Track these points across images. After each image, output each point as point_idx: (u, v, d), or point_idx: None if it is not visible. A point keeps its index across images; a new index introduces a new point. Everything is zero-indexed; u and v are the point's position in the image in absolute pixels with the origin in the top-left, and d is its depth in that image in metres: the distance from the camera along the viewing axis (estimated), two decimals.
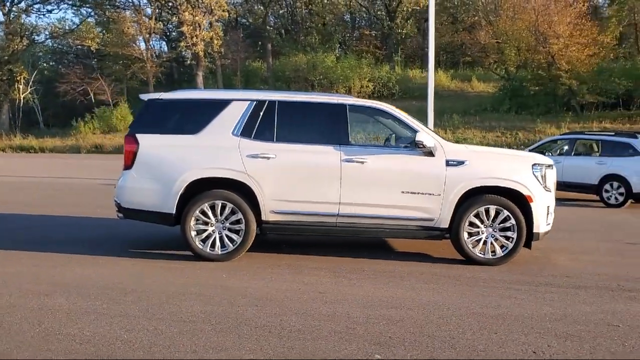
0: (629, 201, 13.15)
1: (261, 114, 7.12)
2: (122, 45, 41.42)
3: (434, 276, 6.52)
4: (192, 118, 7.23)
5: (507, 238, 7.00)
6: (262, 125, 7.09)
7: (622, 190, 12.93)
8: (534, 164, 7.13)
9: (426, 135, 6.96)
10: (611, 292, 6.00)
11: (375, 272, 6.67)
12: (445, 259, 7.35)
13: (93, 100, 41.10)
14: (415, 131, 7.07)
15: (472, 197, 6.99)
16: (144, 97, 7.39)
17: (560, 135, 17.03)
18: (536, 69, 35.51)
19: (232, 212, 6.95)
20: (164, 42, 48.46)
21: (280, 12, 42.28)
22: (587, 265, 7.22)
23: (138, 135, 7.08)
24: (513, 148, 31.67)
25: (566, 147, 14.28)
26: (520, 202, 7.00)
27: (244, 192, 6.97)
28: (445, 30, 46.34)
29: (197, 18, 33.93)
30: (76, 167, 24.46)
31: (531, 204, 6.98)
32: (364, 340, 4.50)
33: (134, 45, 41.91)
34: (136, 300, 5.41)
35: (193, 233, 6.96)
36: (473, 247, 7.04)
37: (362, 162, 6.96)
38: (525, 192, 6.97)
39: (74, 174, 20.74)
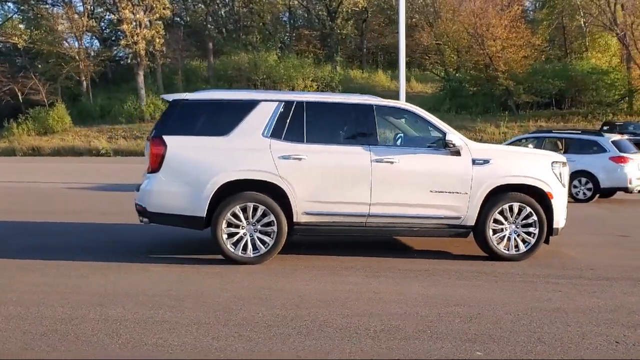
0: (596, 196, 13.85)
1: (290, 114, 7.06)
2: (52, 43, 39.77)
3: (471, 273, 6.67)
4: (221, 119, 7.09)
5: (529, 234, 7.25)
6: (291, 126, 7.04)
7: (590, 185, 13.62)
8: (553, 162, 7.42)
9: (454, 135, 7.12)
10: None
11: (411, 270, 6.76)
12: (466, 256, 7.53)
13: (21, 100, 39.17)
14: (442, 131, 7.20)
15: (497, 195, 7.19)
16: (168, 97, 7.18)
17: (529, 133, 17.72)
18: (475, 70, 36.78)
19: (264, 214, 6.87)
20: (96, 41, 46.80)
21: (220, 12, 41.70)
22: (600, 258, 7.58)
23: (165, 137, 6.87)
24: None
25: (531, 146, 14.85)
26: (542, 198, 7.26)
27: (275, 194, 6.90)
28: (381, 30, 47.25)
29: (138, 16, 33.01)
30: (27, 171, 23.31)
31: (552, 200, 7.27)
32: (453, 338, 4.57)
33: (66, 43, 40.30)
34: (198, 307, 5.26)
35: (224, 236, 6.83)
36: (497, 244, 7.25)
37: (392, 162, 7.04)
38: (546, 189, 7.25)
39: (28, 178, 19.77)
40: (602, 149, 13.59)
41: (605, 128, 25.42)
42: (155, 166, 6.87)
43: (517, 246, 7.27)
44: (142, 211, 7.01)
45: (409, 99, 39.92)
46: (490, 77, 35.20)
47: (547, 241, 7.40)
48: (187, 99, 7.07)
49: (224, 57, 40.12)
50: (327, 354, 4.25)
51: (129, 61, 38.77)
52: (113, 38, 45.29)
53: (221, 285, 6.03)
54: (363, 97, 7.50)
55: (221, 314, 5.09)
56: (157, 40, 34.07)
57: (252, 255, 6.88)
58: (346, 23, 42.64)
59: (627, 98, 35.43)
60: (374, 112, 7.20)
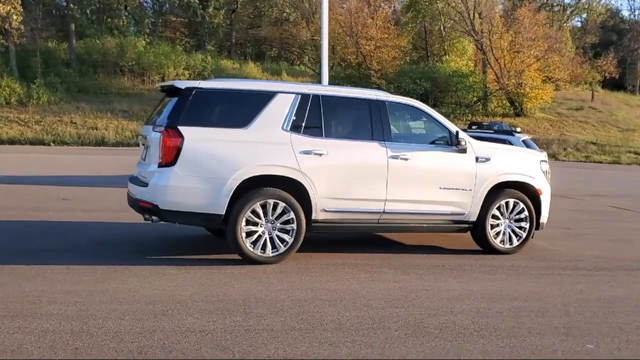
0: None
1: (308, 108, 6.82)
2: None
3: (490, 268, 6.90)
4: (238, 110, 6.65)
5: (521, 228, 7.67)
6: (309, 120, 6.80)
7: None
8: (541, 160, 7.92)
9: (463, 133, 7.33)
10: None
11: (433, 266, 6.85)
12: (463, 251, 7.78)
13: None
14: (450, 129, 7.38)
15: (495, 192, 7.51)
16: (180, 84, 6.57)
17: None
18: (349, 68, 37.81)
19: (283, 212, 6.57)
20: None
21: None
22: (573, 250, 8.21)
23: (181, 128, 6.31)
24: None
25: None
26: (532, 195, 7.72)
27: (294, 190, 6.64)
28: (250, 22, 46.92)
29: None
30: None
31: (540, 196, 7.75)
32: (551, 333, 4.70)
33: None
34: (269, 312, 4.90)
35: (243, 235, 6.44)
36: (494, 239, 7.58)
37: (406, 159, 7.07)
38: (537, 185, 7.72)
39: None
40: None
41: (474, 127, 27.30)
42: (170, 159, 6.28)
43: (510, 240, 7.65)
44: (151, 209, 6.37)
45: None
46: (364, 76, 36.39)
47: (532, 235, 7.87)
48: (201, 87, 6.54)
49: (87, 39, 37.39)
50: (448, 353, 4.20)
51: None
52: None
53: (267, 287, 5.68)
54: (374, 92, 7.45)
55: (295, 318, 4.79)
56: (15, 17, 30.83)
57: (271, 255, 6.56)
58: (217, 12, 41.68)
59: (483, 100, 38.42)
60: (386, 108, 7.18)
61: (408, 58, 40.48)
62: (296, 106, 6.76)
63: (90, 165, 17.95)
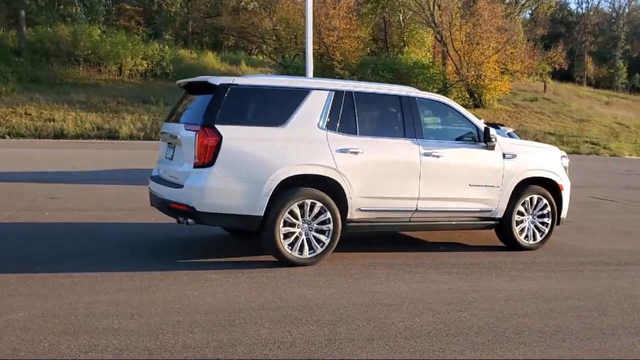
0: None
1: (342, 105, 6.63)
2: None
3: (523, 265, 6.90)
4: (274, 108, 6.41)
5: (543, 224, 7.70)
6: (344, 117, 6.61)
7: None
8: (562, 156, 7.97)
9: (493, 129, 7.28)
10: None
11: (468, 265, 6.81)
12: (485, 247, 7.78)
13: None
14: (477, 126, 7.33)
15: (520, 188, 7.51)
16: (214, 81, 6.26)
17: None
18: (314, 59, 37.52)
19: (320, 212, 6.38)
20: None
21: None
22: (596, 244, 8.31)
23: (219, 127, 6.02)
24: None
25: None
26: (554, 190, 7.75)
27: (331, 190, 6.45)
28: (207, 11, 46.02)
29: None
30: None
31: (562, 192, 7.80)
32: (611, 333, 4.72)
33: None
34: (332, 320, 4.73)
35: (281, 236, 6.22)
36: (519, 235, 7.58)
37: (438, 156, 6.98)
38: (558, 181, 7.76)
39: None
40: None
41: None
42: (207, 159, 5.99)
43: (534, 236, 7.68)
44: (186, 211, 6.07)
45: None
46: (326, 67, 36.19)
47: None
48: (236, 84, 6.26)
49: (38, 27, 35.86)
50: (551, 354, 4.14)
51: None
52: None
53: (318, 291, 5.49)
54: (403, 87, 7.31)
55: (376, 325, 4.65)
56: None
57: (308, 256, 6.37)
58: (174, 0, 40.68)
59: (442, 91, 38.82)
60: (417, 104, 7.06)
61: (369, 49, 40.48)
62: (330, 103, 6.57)
63: (61, 160, 17.18)
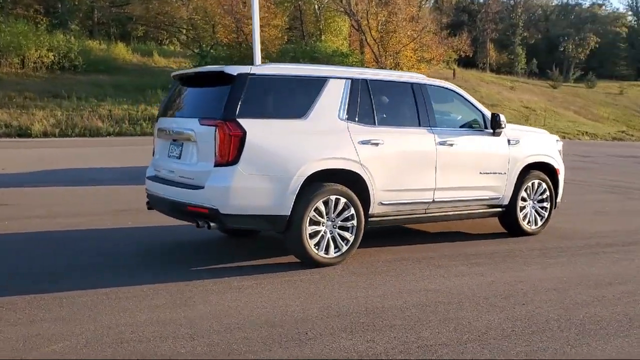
0: None
1: (359, 94, 6.28)
2: None
3: (540, 252, 6.85)
4: (294, 99, 5.96)
5: (543, 208, 7.73)
6: (362, 107, 6.27)
7: None
8: (557, 140, 8.01)
9: (502, 116, 7.18)
10: None
11: (488, 254, 6.68)
12: (489, 235, 7.70)
13: None
14: (481, 112, 7.22)
15: (523, 174, 7.48)
16: (231, 70, 5.70)
17: None
18: (229, 48, 36.61)
19: (344, 208, 6.03)
20: None
21: None
22: (593, 226, 8.45)
23: (241, 121, 5.50)
24: None
25: None
26: (552, 175, 7.79)
27: (353, 184, 6.11)
28: (113, 1, 43.83)
29: None
30: None
31: (558, 176, 7.86)
32: None
33: None
34: (408, 325, 4.43)
35: (308, 236, 5.82)
36: (522, 221, 7.56)
37: (451, 145, 6.80)
38: (556, 165, 7.82)
39: None
40: None
41: None
42: (232, 157, 5.46)
43: (535, 221, 7.68)
44: (208, 214, 5.52)
45: (154, 73, 37.75)
46: (245, 56, 35.40)
47: None
48: (254, 74, 5.75)
49: None
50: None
51: None
52: None
53: (366, 293, 5.14)
54: (412, 74, 7.05)
55: (456, 327, 4.38)
56: None
57: (334, 255, 6.00)
58: None
59: None
60: (428, 92, 6.83)
61: (287, 38, 40.02)
62: (348, 92, 6.20)
63: None
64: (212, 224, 5.54)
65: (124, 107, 28.59)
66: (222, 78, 5.75)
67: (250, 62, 35.40)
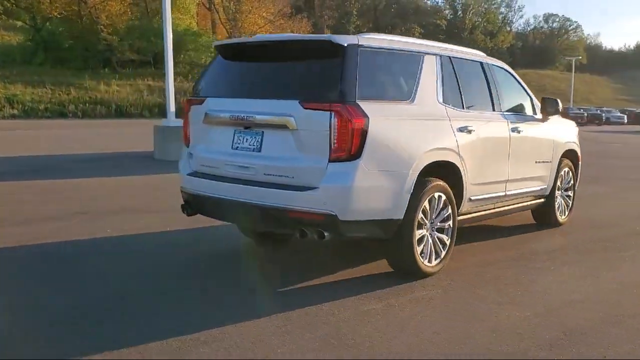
0: None
1: (448, 73, 5.35)
2: None
3: (583, 245, 6.31)
4: (399, 77, 4.87)
5: (568, 197, 7.40)
6: (451, 88, 5.34)
7: None
8: (576, 126, 7.72)
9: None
10: None
11: (550, 251, 6.14)
12: (518, 227, 7.19)
13: None
14: (530, 96, 6.65)
15: (560, 162, 7.07)
16: (341, 40, 4.40)
17: None
18: (69, 22, 32.85)
19: (443, 207, 5.10)
20: None
21: None
22: (606, 215, 8.11)
23: (362, 104, 4.31)
24: (71, 106, 28.85)
25: None
26: (576, 162, 7.49)
27: (448, 177, 5.17)
28: None
29: None
30: None
31: (579, 162, 7.58)
32: None
33: None
34: (572, 343, 3.72)
35: (416, 242, 4.81)
36: (556, 210, 7.16)
37: (520, 132, 6.16)
38: (579, 152, 7.52)
39: None
40: None
41: None
42: (354, 149, 4.24)
43: (564, 211, 7.32)
44: (324, 222, 4.26)
45: None
46: (88, 30, 32.02)
47: None
48: (363, 45, 4.55)
49: None
50: None
51: None
52: None
53: (529, 312, 4.31)
54: (476, 52, 6.24)
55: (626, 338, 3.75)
56: None
57: (434, 263, 5.04)
58: None
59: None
60: (495, 72, 6.10)
61: (130, 12, 36.94)
62: (440, 71, 5.25)
63: None
64: (326, 234, 4.31)
65: None
66: (323, 50, 4.49)
67: (96, 37, 32.00)
